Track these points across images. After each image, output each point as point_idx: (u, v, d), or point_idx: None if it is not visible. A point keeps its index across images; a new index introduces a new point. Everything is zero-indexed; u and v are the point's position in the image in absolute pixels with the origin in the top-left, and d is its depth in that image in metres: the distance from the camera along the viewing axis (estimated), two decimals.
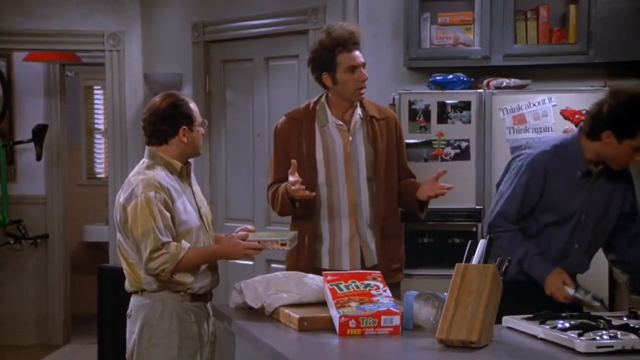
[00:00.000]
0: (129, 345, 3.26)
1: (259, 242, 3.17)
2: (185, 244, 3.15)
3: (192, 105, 3.27)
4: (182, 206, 3.20)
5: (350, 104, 3.66)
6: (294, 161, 3.53)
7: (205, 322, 3.29)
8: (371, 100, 3.77)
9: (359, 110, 3.67)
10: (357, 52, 3.61)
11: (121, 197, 3.19)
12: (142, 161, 3.29)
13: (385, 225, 3.67)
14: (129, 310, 3.28)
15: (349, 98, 3.64)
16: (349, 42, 3.58)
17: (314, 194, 3.53)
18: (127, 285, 3.28)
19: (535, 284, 3.19)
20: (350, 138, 3.65)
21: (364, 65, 3.62)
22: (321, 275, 2.98)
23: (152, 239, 3.08)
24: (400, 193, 3.72)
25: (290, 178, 3.50)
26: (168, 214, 3.14)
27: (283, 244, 3.18)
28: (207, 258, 3.24)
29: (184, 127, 3.21)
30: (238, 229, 3.31)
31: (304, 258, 3.64)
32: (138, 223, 3.09)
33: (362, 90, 3.63)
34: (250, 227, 3.34)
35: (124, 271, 3.27)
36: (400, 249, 3.80)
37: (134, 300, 3.27)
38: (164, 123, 3.21)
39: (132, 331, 3.23)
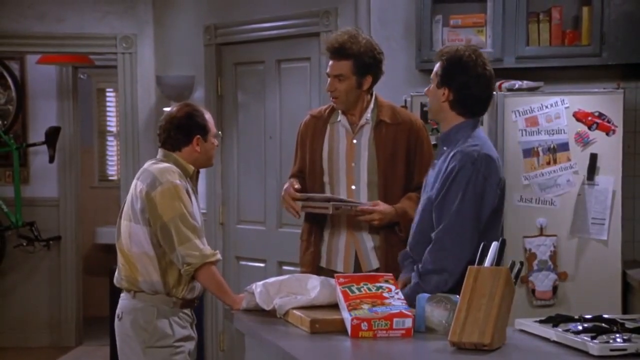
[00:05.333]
0: (123, 347, 3.27)
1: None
2: (219, 256, 3.23)
3: (208, 117, 3.37)
4: (194, 203, 3.29)
5: (357, 106, 3.61)
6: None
7: (192, 327, 3.34)
8: (392, 104, 3.70)
9: (368, 114, 3.62)
10: (331, 62, 3.57)
11: (140, 185, 3.23)
12: (155, 159, 3.36)
13: (387, 233, 3.57)
14: (118, 312, 3.29)
15: None
16: (329, 51, 3.58)
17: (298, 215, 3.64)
18: (121, 281, 3.28)
19: None
20: (355, 141, 3.62)
21: (337, 76, 3.53)
22: (323, 274, 2.98)
23: (186, 222, 3.15)
24: None
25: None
26: (190, 202, 3.23)
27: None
28: (223, 288, 3.22)
29: (198, 136, 3.30)
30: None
31: (310, 254, 3.66)
32: (168, 208, 3.16)
33: (334, 100, 3.59)
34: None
35: (120, 266, 3.28)
36: None
37: (125, 302, 3.28)
38: (179, 132, 3.30)
39: (126, 334, 3.25)
